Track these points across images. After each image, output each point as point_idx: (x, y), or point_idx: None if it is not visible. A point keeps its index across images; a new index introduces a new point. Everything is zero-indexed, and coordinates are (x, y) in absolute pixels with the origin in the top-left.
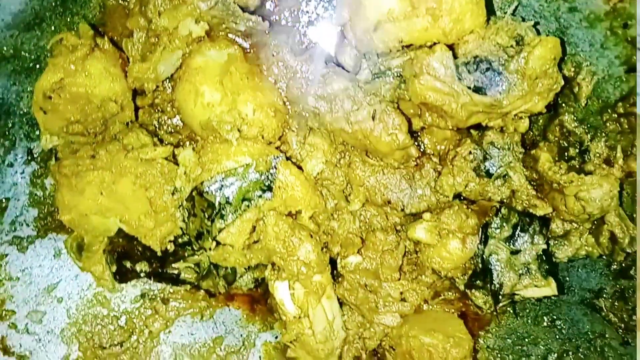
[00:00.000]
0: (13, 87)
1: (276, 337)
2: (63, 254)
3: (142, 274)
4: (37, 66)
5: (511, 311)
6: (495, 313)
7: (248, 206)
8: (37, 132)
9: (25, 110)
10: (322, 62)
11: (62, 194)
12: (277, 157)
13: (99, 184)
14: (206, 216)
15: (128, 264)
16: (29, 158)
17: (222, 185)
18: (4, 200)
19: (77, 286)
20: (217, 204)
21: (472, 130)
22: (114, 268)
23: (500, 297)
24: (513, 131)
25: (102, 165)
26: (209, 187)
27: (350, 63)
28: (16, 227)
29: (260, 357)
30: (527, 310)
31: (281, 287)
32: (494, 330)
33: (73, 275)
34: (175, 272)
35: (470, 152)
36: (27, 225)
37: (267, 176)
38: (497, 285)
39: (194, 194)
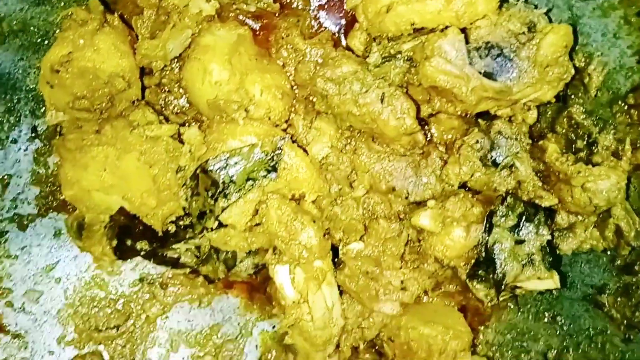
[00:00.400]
0: (20, 62)
1: (273, 327)
2: (63, 234)
3: (142, 252)
4: (46, 42)
5: (511, 306)
6: (496, 303)
7: (252, 186)
8: (43, 109)
9: (31, 87)
10: (332, 46)
11: (65, 169)
12: (283, 138)
13: (103, 160)
14: (209, 195)
15: (129, 242)
16: (33, 135)
17: (226, 164)
18: (6, 176)
19: (75, 267)
20: (221, 182)
21: (479, 120)
22: (115, 243)
23: (502, 287)
24: (521, 121)
25: (106, 141)
26: (213, 166)
27: (360, 47)
28: (17, 205)
29: (257, 346)
30: (528, 306)
31: (281, 271)
32: (493, 325)
33: (72, 256)
34: (175, 255)
35: (477, 141)
36: (29, 203)
37: (272, 157)
38: (500, 275)
39: (198, 172)
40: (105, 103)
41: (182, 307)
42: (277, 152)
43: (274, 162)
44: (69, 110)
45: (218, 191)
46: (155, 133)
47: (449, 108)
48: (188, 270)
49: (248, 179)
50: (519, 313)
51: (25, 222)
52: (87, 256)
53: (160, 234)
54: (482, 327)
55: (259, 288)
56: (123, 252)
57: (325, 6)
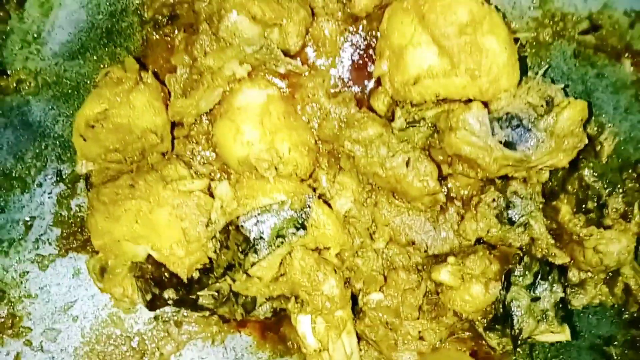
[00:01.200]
0: (51, 111)
1: None
2: (82, 274)
3: (169, 302)
4: (76, 93)
5: (520, 352)
6: (514, 357)
7: (282, 242)
8: (68, 155)
9: (59, 133)
10: (355, 105)
11: (97, 220)
12: (311, 196)
13: (135, 213)
14: (240, 249)
15: (157, 291)
16: (58, 179)
17: (257, 221)
18: (29, 219)
19: (92, 306)
20: (252, 239)
21: (495, 179)
22: (149, 297)
23: (519, 342)
24: (535, 182)
25: (140, 195)
26: (245, 222)
27: (383, 109)
28: (39, 246)
29: None
30: (537, 352)
31: (304, 320)
32: None
33: (90, 295)
34: (194, 297)
35: (494, 200)
36: (50, 244)
37: (301, 214)
38: (517, 331)
39: (230, 227)
40: (137, 156)
41: (195, 344)
42: (305, 209)
43: (302, 220)
44: (99, 161)
45: (249, 247)
46: (188, 188)
47: (471, 173)
48: (207, 313)
49: (278, 236)
50: (528, 359)
51: (46, 262)
52: (104, 295)
53: (185, 280)
54: None
55: (272, 327)
56: (153, 303)
57: (350, 68)
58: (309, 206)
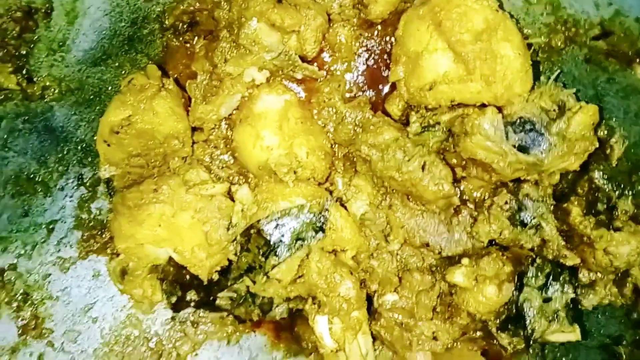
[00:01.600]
0: (73, 116)
1: None
2: (101, 276)
3: (192, 303)
4: (98, 98)
5: (530, 352)
6: (525, 351)
7: (301, 245)
8: (89, 159)
9: (81, 138)
10: (370, 109)
11: (120, 224)
12: (329, 199)
13: (158, 217)
14: (260, 252)
15: (180, 293)
16: (79, 183)
17: (277, 225)
18: (51, 222)
19: (112, 307)
20: (272, 242)
21: (508, 182)
22: (174, 299)
23: (531, 341)
24: (547, 185)
25: (163, 199)
26: (265, 226)
27: (398, 113)
28: (60, 248)
29: None
30: (546, 351)
31: (321, 321)
32: None
33: (109, 297)
34: (213, 298)
35: (506, 202)
36: (71, 246)
37: (320, 217)
38: (530, 331)
39: (251, 231)
40: (159, 161)
41: (211, 344)
42: (323, 213)
43: (321, 223)
44: (122, 166)
45: (269, 250)
46: (209, 192)
47: (485, 176)
48: (225, 314)
49: (297, 239)
50: (538, 358)
51: (67, 265)
52: (123, 296)
53: (205, 282)
54: None
55: (286, 327)
56: (177, 305)
57: (365, 73)
58: (327, 210)
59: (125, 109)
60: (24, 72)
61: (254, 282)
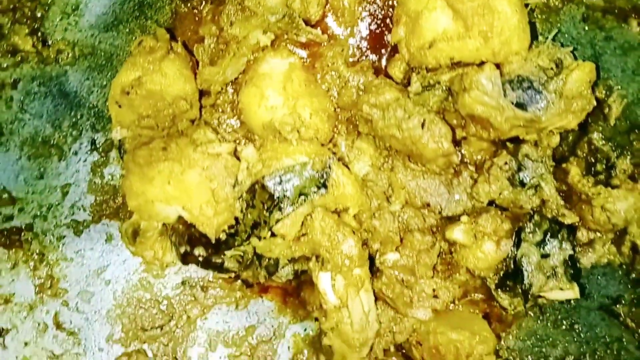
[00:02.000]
0: (86, 81)
1: (305, 330)
2: (114, 240)
3: (200, 258)
4: (109, 64)
5: (532, 315)
6: (519, 311)
7: (304, 200)
8: (102, 124)
9: (93, 104)
10: (372, 73)
11: (132, 181)
12: (331, 157)
13: (168, 174)
14: (265, 207)
15: (188, 248)
16: (92, 148)
17: (281, 180)
18: (66, 185)
19: (124, 270)
20: (276, 197)
21: (507, 143)
22: (183, 249)
23: (529, 296)
24: (546, 145)
25: (172, 157)
26: (269, 182)
27: (399, 75)
28: (74, 212)
29: (289, 347)
30: (547, 314)
31: (324, 278)
32: (514, 332)
33: (121, 260)
34: (220, 260)
35: (506, 163)
36: (84, 210)
37: (322, 174)
38: (527, 285)
39: (256, 186)
40: (168, 122)
41: (220, 309)
42: (326, 169)
43: (323, 179)
44: (133, 128)
45: (273, 204)
46: (217, 151)
47: (483, 134)
48: (233, 274)
49: (301, 194)
50: (539, 321)
51: (81, 228)
52: (135, 260)
53: (212, 241)
54: (503, 334)
55: (293, 293)
56: (185, 257)
57: (368, 37)
58: (330, 167)
59: (136, 70)
60: (39, 35)
61: (259, 238)
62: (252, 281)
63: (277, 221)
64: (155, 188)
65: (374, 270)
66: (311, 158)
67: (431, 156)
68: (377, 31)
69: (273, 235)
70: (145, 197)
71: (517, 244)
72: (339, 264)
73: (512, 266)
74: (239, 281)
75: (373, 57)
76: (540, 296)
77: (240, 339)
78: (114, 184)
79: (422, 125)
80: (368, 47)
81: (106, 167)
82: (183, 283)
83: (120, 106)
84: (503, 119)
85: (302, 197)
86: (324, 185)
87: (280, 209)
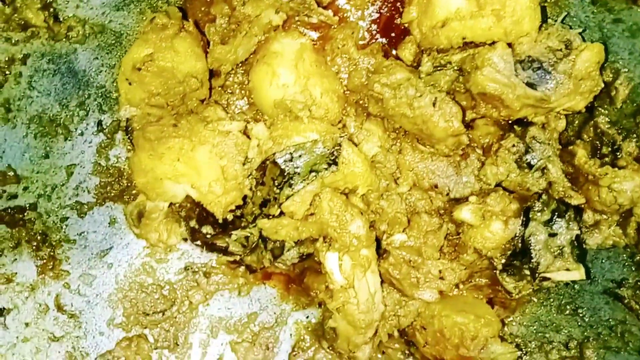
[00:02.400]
0: (95, 61)
1: (307, 317)
2: (117, 223)
3: (207, 236)
4: (119, 44)
5: (535, 300)
6: (530, 292)
7: (315, 177)
8: (109, 105)
9: (101, 84)
10: (382, 56)
11: (140, 158)
12: (342, 135)
13: (178, 151)
14: (275, 184)
15: (197, 225)
16: (98, 129)
17: (292, 157)
18: (71, 166)
19: (127, 254)
20: (286, 172)
21: (515, 126)
22: (193, 224)
23: (536, 274)
24: (553, 128)
25: (182, 134)
26: (280, 158)
27: (410, 58)
28: (79, 193)
29: (291, 334)
30: (551, 300)
31: (331, 257)
32: (518, 317)
33: (124, 244)
34: (224, 244)
35: (513, 145)
36: (89, 192)
37: (333, 152)
38: (535, 264)
39: (267, 163)
40: (178, 101)
41: (222, 295)
42: (337, 147)
43: (334, 157)
44: (142, 106)
45: (284, 180)
46: (227, 128)
47: (493, 113)
48: (237, 257)
49: (311, 171)
50: (542, 306)
51: (85, 210)
52: (138, 244)
53: (220, 221)
54: (507, 320)
55: (296, 280)
56: (194, 234)
57: (378, 20)
58: (340, 145)
59: (148, 47)
60: (51, 10)
61: (268, 217)
62: (255, 267)
63: (287, 197)
64: (164, 165)
65: (380, 253)
66: (322, 136)
67: (441, 135)
68: (388, 14)
69: (281, 214)
70: (154, 174)
71: (525, 223)
72: (347, 244)
73: (519, 245)
74: (242, 267)
75: (383, 40)
76: (546, 278)
77: (242, 325)
78: (119, 167)
79: (434, 104)
80: (378, 30)
81: (112, 149)
82: (186, 268)
83: (130, 83)
84: (514, 97)
85: (313, 174)
86: (335, 162)
87: (290, 185)
